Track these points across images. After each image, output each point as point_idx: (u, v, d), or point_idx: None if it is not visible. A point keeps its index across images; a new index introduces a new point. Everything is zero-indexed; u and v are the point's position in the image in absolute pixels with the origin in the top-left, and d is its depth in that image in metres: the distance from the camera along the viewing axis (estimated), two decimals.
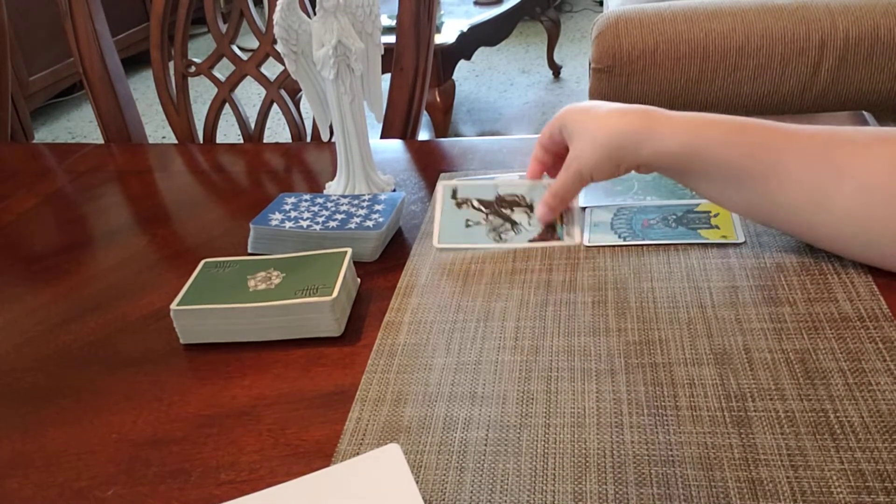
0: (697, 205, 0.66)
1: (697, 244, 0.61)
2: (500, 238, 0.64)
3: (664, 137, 0.56)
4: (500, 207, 0.65)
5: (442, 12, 2.81)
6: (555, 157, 0.65)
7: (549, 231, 0.64)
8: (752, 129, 0.55)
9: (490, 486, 0.42)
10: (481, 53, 3.68)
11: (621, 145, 0.57)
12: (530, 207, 0.65)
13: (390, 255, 0.66)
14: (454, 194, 0.66)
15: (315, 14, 0.69)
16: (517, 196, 0.66)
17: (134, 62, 3.35)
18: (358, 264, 0.64)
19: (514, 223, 0.65)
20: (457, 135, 2.88)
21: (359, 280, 0.62)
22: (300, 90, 0.77)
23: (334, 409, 0.50)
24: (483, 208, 0.65)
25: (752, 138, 0.55)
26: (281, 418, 0.50)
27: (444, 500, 0.42)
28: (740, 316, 0.53)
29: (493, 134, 2.86)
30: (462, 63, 3.25)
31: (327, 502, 0.42)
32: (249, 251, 0.69)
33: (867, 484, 0.40)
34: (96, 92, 1.05)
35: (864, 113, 0.80)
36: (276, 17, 0.70)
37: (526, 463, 0.44)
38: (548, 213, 0.63)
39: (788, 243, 0.60)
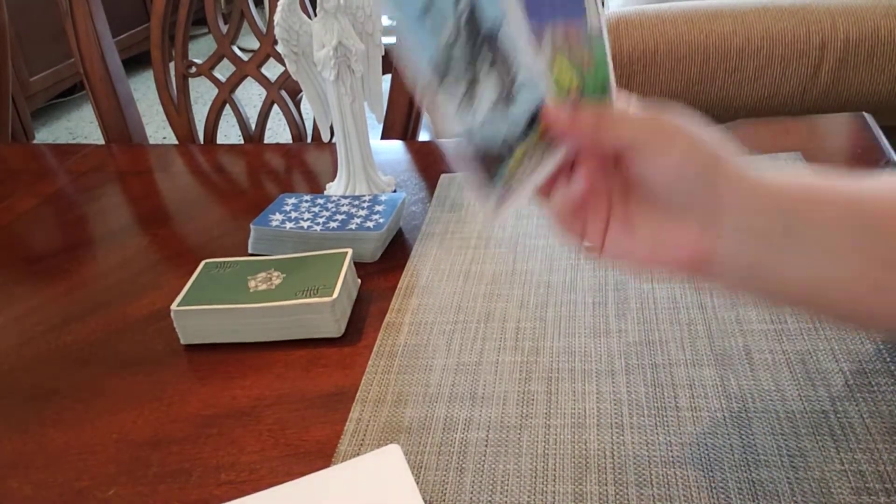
0: None
1: None
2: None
3: (769, 173, 0.39)
4: (476, 56, 0.36)
5: None
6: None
7: (486, 169, 0.38)
8: (843, 188, 0.40)
9: (490, 487, 0.42)
10: None
11: (726, 142, 0.39)
12: (507, 96, 0.37)
13: (391, 256, 0.66)
14: None
15: (316, 15, 0.69)
16: (509, 59, 0.36)
17: (135, 63, 3.35)
18: (358, 265, 0.64)
19: (471, 97, 0.36)
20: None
21: (359, 281, 0.62)
22: (301, 91, 0.77)
23: (335, 409, 0.50)
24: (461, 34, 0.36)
25: (864, 182, 0.39)
26: (281, 419, 0.50)
27: (444, 500, 0.42)
28: (741, 317, 0.53)
29: None
30: None
31: (327, 503, 0.42)
32: (250, 252, 0.69)
33: (867, 485, 0.40)
34: (97, 92, 1.05)
35: (865, 114, 0.80)
36: (276, 17, 0.70)
37: (526, 463, 0.44)
38: (555, 115, 0.38)
39: None
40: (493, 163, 0.37)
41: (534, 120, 0.37)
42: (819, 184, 0.39)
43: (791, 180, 0.39)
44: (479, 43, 0.35)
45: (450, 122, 0.36)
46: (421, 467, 0.44)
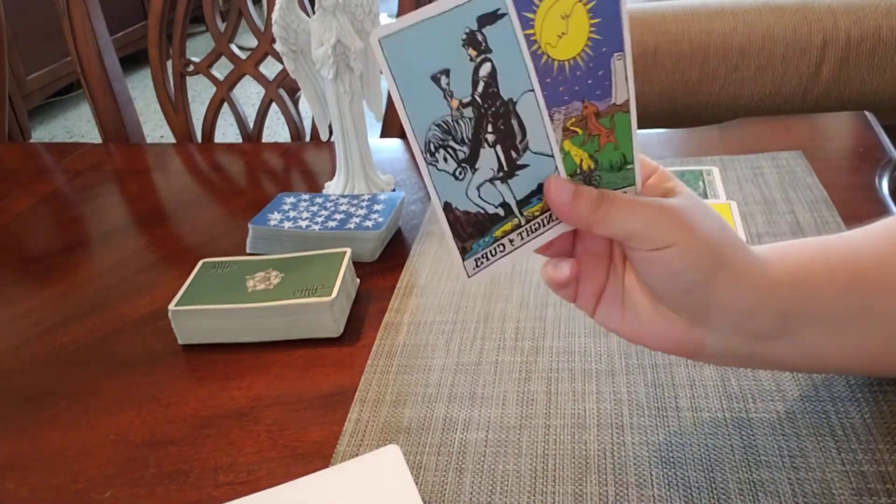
0: None
1: None
2: (433, 154, 0.34)
3: (769, 261, 0.39)
4: (483, 127, 0.34)
5: None
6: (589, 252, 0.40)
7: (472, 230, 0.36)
8: (846, 257, 0.40)
9: (490, 488, 0.42)
10: None
11: (732, 238, 0.38)
12: (506, 171, 0.36)
13: (390, 256, 0.66)
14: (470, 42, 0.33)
15: (314, 13, 0.68)
16: (519, 133, 0.35)
17: (132, 61, 3.34)
18: (357, 264, 0.64)
19: (468, 164, 0.35)
20: None
21: (358, 280, 0.62)
22: (299, 89, 0.76)
23: (333, 409, 0.50)
24: (468, 106, 0.34)
25: (850, 262, 0.40)
26: (280, 419, 0.49)
27: (443, 501, 0.42)
28: None
29: None
30: None
31: (326, 503, 0.42)
32: (248, 251, 0.68)
33: (869, 485, 0.39)
34: (94, 91, 1.05)
35: (867, 113, 0.80)
36: (274, 15, 0.70)
37: (526, 464, 0.43)
38: (555, 195, 0.36)
39: None
40: (484, 222, 0.36)
41: (538, 191, 0.37)
42: (816, 262, 0.39)
43: (789, 265, 0.39)
44: (490, 115, 0.34)
45: (442, 186, 0.35)
46: (420, 468, 0.44)
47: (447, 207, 0.35)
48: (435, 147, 0.34)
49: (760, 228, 0.62)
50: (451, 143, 0.34)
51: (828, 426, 0.43)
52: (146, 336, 0.59)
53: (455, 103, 0.33)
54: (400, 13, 0.96)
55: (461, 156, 0.34)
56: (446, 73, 0.33)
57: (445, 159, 0.34)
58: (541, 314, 0.56)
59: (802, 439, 0.43)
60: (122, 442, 0.49)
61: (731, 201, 0.66)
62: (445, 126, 0.34)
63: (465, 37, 0.32)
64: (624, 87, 0.35)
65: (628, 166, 0.37)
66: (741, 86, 1.15)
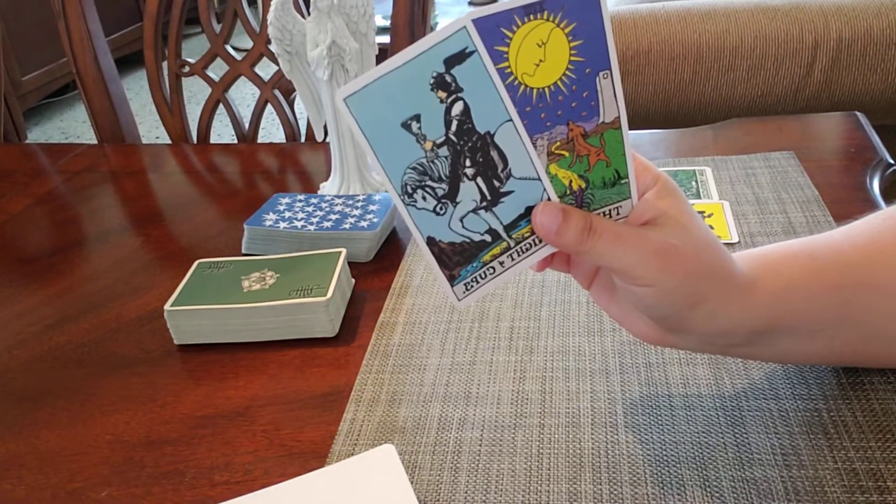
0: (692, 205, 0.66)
1: None
2: (410, 195, 0.34)
3: (754, 284, 0.40)
4: (461, 163, 0.34)
5: (436, 12, 2.81)
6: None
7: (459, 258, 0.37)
8: (830, 262, 0.41)
9: (485, 487, 0.42)
10: None
11: (718, 270, 0.39)
12: (490, 200, 0.36)
13: (385, 256, 0.66)
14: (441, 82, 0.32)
15: (309, 14, 0.69)
16: (500, 164, 0.35)
17: (127, 62, 3.34)
18: (352, 265, 0.64)
19: (448, 200, 0.35)
20: None
21: (353, 280, 0.62)
22: (294, 90, 0.76)
23: (329, 409, 0.50)
24: (442, 144, 0.34)
25: (833, 267, 0.41)
26: (275, 419, 0.50)
27: (438, 500, 0.42)
28: None
29: None
30: None
31: (322, 503, 0.42)
32: (244, 252, 0.69)
33: (860, 483, 0.40)
34: (90, 92, 1.05)
35: (858, 114, 0.80)
36: (270, 17, 0.70)
37: (520, 463, 0.44)
38: (541, 222, 0.36)
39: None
40: (470, 250, 0.36)
41: (526, 214, 0.36)
42: (801, 275, 0.40)
43: (774, 286, 0.40)
44: (468, 150, 0.34)
45: (423, 223, 0.35)
46: (415, 467, 0.44)
47: (430, 241, 0.35)
48: (412, 188, 0.34)
49: (753, 228, 0.62)
50: (429, 183, 0.34)
51: (820, 424, 0.44)
52: (142, 336, 0.59)
53: (429, 145, 0.33)
54: (394, 14, 0.96)
55: (440, 192, 0.34)
56: (417, 118, 0.32)
57: (424, 198, 0.34)
58: (535, 314, 0.56)
59: (795, 437, 0.43)
60: (119, 442, 0.49)
61: (723, 201, 0.67)
62: (421, 168, 0.34)
63: (432, 81, 0.32)
64: (613, 105, 0.35)
65: (622, 181, 0.37)
66: (733, 86, 1.16)
